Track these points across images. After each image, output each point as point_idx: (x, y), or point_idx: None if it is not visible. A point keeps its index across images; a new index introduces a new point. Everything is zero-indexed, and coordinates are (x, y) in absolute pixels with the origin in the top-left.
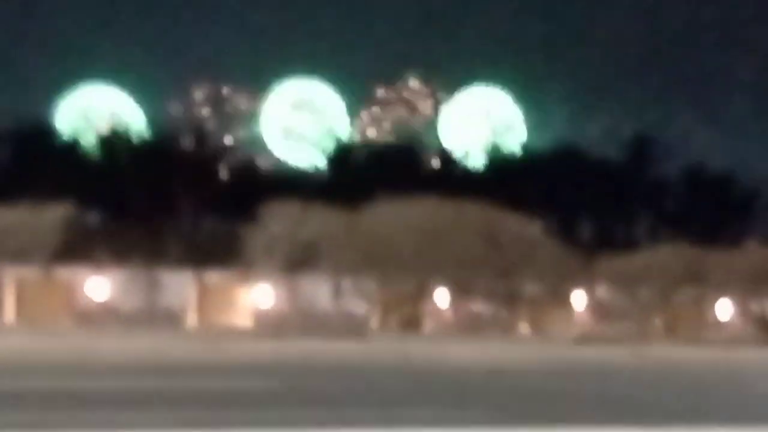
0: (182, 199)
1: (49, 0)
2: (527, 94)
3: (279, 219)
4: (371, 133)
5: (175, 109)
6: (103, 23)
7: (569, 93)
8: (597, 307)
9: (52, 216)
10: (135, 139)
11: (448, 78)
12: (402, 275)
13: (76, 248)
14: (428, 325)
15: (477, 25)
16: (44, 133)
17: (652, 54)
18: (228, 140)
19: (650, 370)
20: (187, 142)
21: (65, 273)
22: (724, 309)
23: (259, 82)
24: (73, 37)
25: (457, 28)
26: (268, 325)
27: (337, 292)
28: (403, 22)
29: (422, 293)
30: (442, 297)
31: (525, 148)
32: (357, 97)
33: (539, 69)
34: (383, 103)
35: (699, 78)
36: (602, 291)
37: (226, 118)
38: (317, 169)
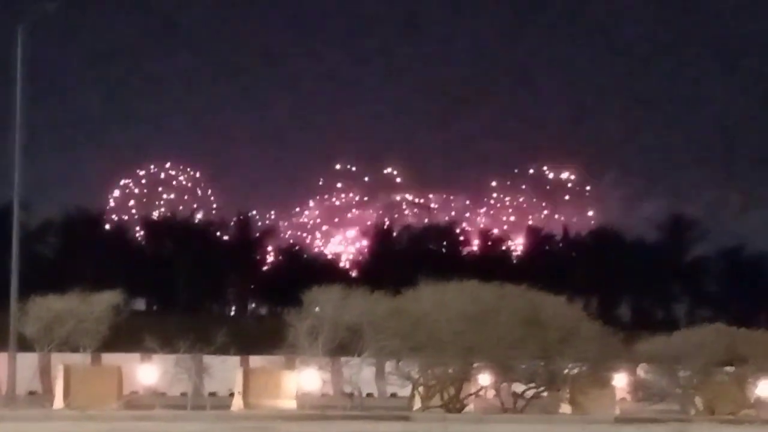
0: (228, 286)
1: (94, 96)
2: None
3: (322, 303)
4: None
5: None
6: (149, 117)
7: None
8: (638, 387)
9: (99, 303)
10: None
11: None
12: (444, 357)
13: (124, 335)
14: (471, 406)
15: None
16: (92, 222)
17: (690, 138)
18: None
19: None
20: (232, 231)
21: (113, 359)
22: (765, 388)
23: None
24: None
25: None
26: (313, 408)
27: (381, 375)
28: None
29: (464, 375)
30: (484, 378)
31: (564, 231)
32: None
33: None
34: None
35: (737, 161)
36: (642, 371)
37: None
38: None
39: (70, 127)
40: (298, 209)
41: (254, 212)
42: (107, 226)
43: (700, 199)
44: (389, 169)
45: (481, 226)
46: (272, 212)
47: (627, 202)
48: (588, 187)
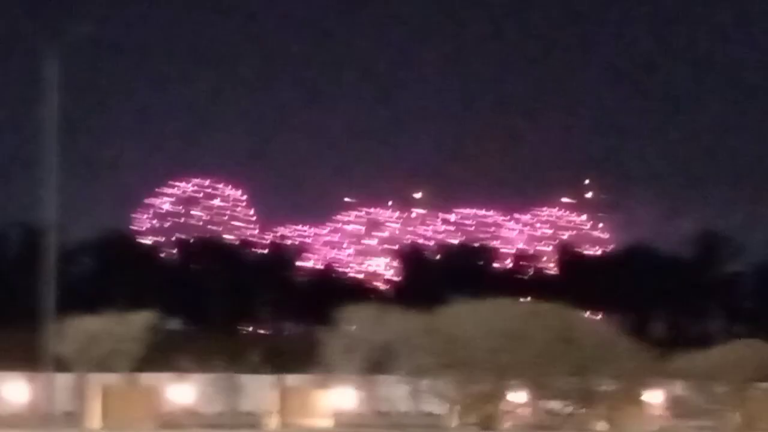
0: (262, 305)
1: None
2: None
3: (356, 322)
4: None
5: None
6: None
7: (643, 194)
8: (673, 404)
9: (135, 323)
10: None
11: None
12: (478, 375)
13: (159, 354)
14: (506, 423)
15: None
16: (126, 242)
17: (721, 154)
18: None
19: None
20: (269, 250)
21: (149, 379)
22: None
23: None
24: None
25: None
26: (349, 426)
27: (415, 393)
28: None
29: (499, 392)
30: (518, 396)
31: (596, 247)
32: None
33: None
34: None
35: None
36: (677, 387)
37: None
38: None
39: (105, 147)
40: (330, 228)
41: (288, 231)
42: (142, 246)
43: (735, 215)
44: (419, 191)
45: (515, 244)
46: (307, 231)
47: (662, 218)
48: (621, 204)
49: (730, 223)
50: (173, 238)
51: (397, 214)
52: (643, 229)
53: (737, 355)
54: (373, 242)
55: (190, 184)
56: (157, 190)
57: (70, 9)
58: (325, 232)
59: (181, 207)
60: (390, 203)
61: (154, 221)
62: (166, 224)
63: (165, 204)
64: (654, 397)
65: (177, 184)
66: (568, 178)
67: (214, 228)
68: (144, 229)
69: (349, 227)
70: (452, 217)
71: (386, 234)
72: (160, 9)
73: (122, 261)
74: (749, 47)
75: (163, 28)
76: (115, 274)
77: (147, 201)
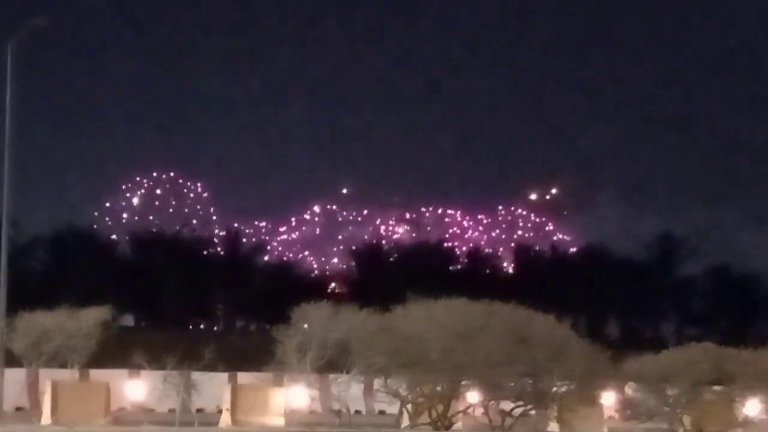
0: (216, 302)
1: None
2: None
3: (311, 320)
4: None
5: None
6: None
7: (593, 193)
8: (626, 405)
9: (88, 319)
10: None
11: None
12: (432, 374)
13: (112, 351)
14: (459, 424)
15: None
16: (81, 237)
17: (679, 157)
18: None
19: None
20: (220, 247)
21: (101, 375)
22: (753, 407)
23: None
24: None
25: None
26: (301, 425)
27: (369, 392)
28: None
29: (453, 392)
30: (472, 396)
31: (554, 248)
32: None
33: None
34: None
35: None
36: (631, 389)
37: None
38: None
39: (60, 142)
40: (289, 226)
41: (242, 228)
42: (96, 241)
43: (694, 217)
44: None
45: (471, 244)
46: (263, 228)
47: (622, 220)
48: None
49: (686, 226)
50: (127, 234)
51: (354, 213)
52: (600, 230)
53: (690, 357)
54: (331, 241)
55: (148, 180)
56: (117, 184)
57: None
58: (283, 229)
59: (139, 202)
60: (349, 200)
61: (112, 216)
62: (124, 220)
63: (124, 200)
64: (606, 398)
65: (137, 179)
66: (529, 177)
67: (172, 224)
68: (99, 224)
69: (308, 226)
70: (409, 216)
71: (344, 233)
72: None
73: (76, 256)
74: (722, 41)
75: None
76: (69, 269)
77: (107, 195)
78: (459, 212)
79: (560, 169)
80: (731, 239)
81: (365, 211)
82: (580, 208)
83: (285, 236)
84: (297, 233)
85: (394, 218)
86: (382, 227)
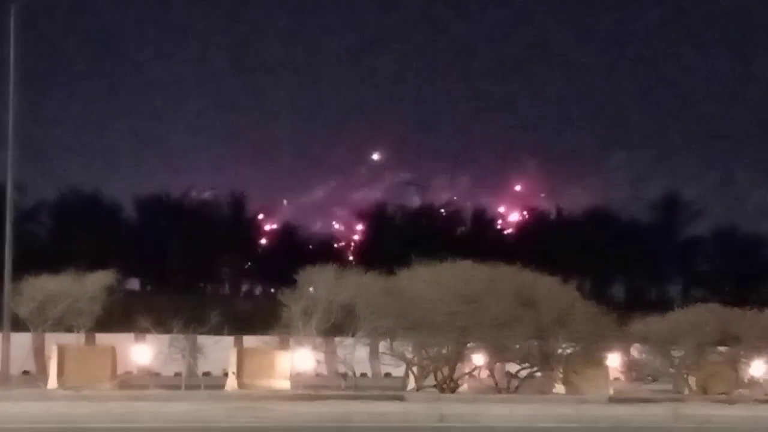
0: (222, 266)
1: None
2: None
3: (316, 283)
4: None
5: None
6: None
7: (603, 155)
8: (631, 367)
9: (93, 283)
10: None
11: None
12: (438, 337)
13: (118, 315)
14: (464, 386)
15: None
16: (86, 202)
17: (684, 112)
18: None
19: (685, 428)
20: (226, 210)
21: (106, 339)
22: (758, 367)
23: None
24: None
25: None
26: (306, 388)
27: (375, 355)
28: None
29: (458, 355)
30: (477, 358)
31: (558, 209)
32: None
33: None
34: None
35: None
36: (636, 351)
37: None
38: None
39: (68, 106)
40: (297, 190)
41: (248, 191)
42: (102, 206)
43: (703, 179)
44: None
45: (478, 206)
46: (269, 192)
47: (632, 183)
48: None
49: (692, 187)
50: (133, 198)
51: (372, 177)
52: (605, 192)
53: (695, 318)
54: (344, 204)
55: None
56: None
57: None
58: (291, 193)
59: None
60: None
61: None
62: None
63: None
64: (612, 360)
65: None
66: (540, 139)
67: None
68: (107, 188)
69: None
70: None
71: (359, 195)
72: None
73: (82, 220)
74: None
75: None
76: (74, 233)
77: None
78: (471, 176)
79: (570, 131)
80: (742, 200)
81: (381, 176)
82: (588, 170)
83: (301, 200)
84: (312, 198)
85: (404, 182)
86: (393, 191)
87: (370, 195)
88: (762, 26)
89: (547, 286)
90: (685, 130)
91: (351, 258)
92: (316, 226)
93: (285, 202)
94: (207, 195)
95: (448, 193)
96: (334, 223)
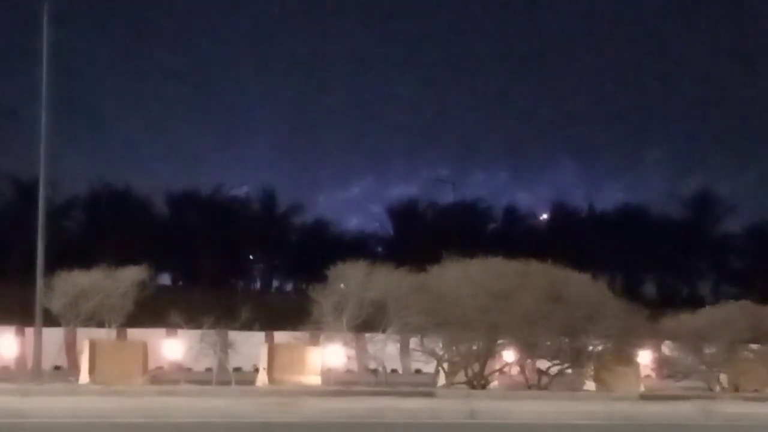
0: (253, 261)
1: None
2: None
3: (347, 279)
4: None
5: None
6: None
7: (632, 151)
8: (663, 364)
9: (125, 279)
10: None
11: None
12: (468, 334)
13: (149, 310)
14: (495, 383)
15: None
16: (118, 197)
17: (713, 108)
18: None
19: (716, 425)
20: (257, 206)
21: (138, 334)
22: None
23: None
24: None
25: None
26: (337, 384)
27: (405, 351)
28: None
29: (489, 351)
30: (508, 355)
31: (590, 206)
32: None
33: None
34: None
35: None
36: (668, 348)
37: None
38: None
39: (100, 101)
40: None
41: (279, 187)
42: (134, 201)
43: (740, 177)
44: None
45: (510, 202)
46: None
47: (667, 179)
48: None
49: (727, 184)
50: (165, 193)
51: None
52: (640, 188)
53: (727, 315)
54: (370, 200)
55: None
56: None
57: None
58: (324, 190)
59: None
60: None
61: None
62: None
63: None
64: (643, 357)
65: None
66: (572, 137)
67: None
68: (138, 182)
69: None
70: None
71: (387, 192)
72: None
73: (113, 216)
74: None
75: None
76: (106, 228)
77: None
78: (507, 173)
79: (607, 128)
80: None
81: (417, 172)
82: (625, 167)
83: (337, 196)
84: (347, 194)
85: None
86: (428, 187)
87: (405, 191)
88: None
89: (578, 283)
90: (723, 127)
91: (382, 254)
92: (352, 222)
93: (321, 198)
94: (241, 191)
95: (483, 189)
96: (366, 219)
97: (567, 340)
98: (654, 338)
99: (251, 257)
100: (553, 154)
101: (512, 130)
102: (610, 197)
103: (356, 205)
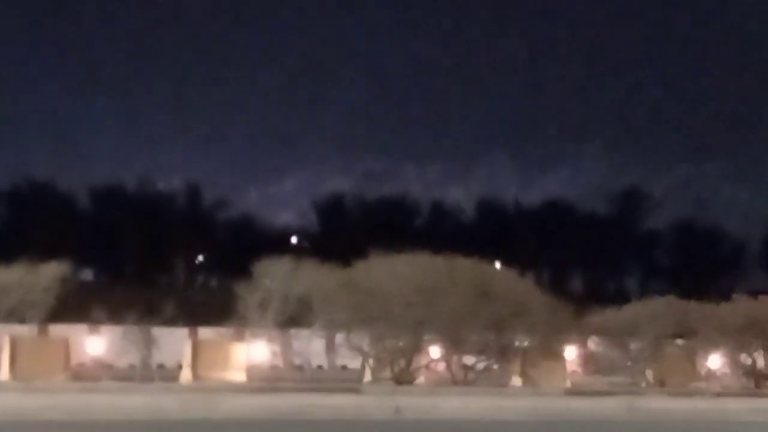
0: (177, 257)
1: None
2: (520, 149)
3: (272, 275)
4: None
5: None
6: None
7: (561, 149)
8: (589, 360)
9: (46, 274)
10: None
11: None
12: (395, 329)
13: (72, 306)
14: (421, 379)
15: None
16: (40, 192)
17: (642, 107)
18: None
19: (642, 421)
20: (182, 200)
21: (60, 330)
22: (714, 361)
23: None
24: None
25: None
26: (262, 380)
27: (331, 347)
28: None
29: (415, 347)
30: (434, 351)
31: (516, 202)
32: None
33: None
34: None
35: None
36: (594, 344)
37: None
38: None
39: (23, 96)
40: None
41: (205, 183)
42: (56, 195)
43: (676, 173)
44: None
45: (437, 197)
46: (226, 184)
47: (602, 176)
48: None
49: (666, 180)
50: (88, 188)
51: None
52: (562, 184)
53: (653, 311)
54: (294, 195)
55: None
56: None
57: None
58: (248, 186)
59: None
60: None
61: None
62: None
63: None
64: (569, 353)
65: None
66: (502, 132)
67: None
68: (62, 177)
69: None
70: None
71: (320, 187)
72: None
73: (35, 210)
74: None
75: None
76: (27, 223)
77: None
78: (443, 167)
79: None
80: (711, 194)
81: (351, 166)
82: (561, 162)
83: (267, 191)
84: (276, 189)
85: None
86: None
87: (338, 185)
88: None
89: (504, 279)
90: (659, 124)
91: (306, 249)
92: (283, 218)
93: (252, 193)
94: (164, 185)
95: (416, 184)
96: (298, 214)
97: (493, 335)
98: (580, 334)
99: (200, 258)
100: (487, 149)
101: (447, 122)
102: (543, 192)
103: (289, 200)
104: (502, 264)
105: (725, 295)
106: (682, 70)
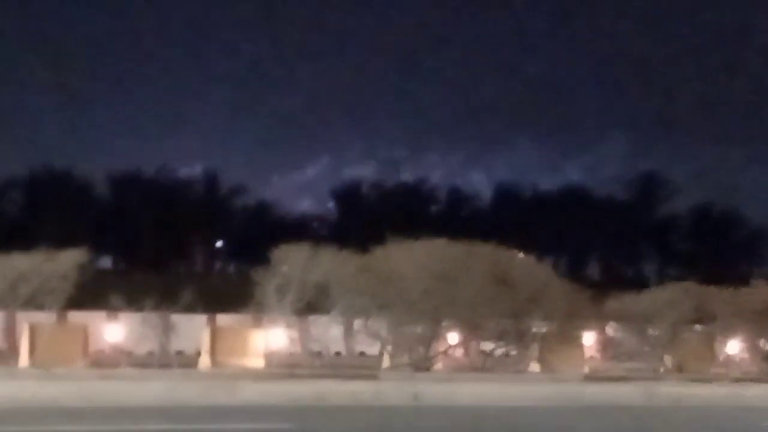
0: (195, 244)
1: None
2: (538, 135)
3: (290, 262)
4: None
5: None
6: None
7: (578, 135)
8: (607, 346)
9: (65, 261)
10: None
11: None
12: (413, 316)
13: (90, 293)
14: (439, 365)
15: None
16: (58, 179)
17: (660, 91)
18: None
19: (660, 407)
20: (200, 188)
21: (78, 317)
22: (733, 346)
23: None
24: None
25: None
26: (280, 367)
27: (349, 333)
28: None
29: (433, 333)
30: (452, 337)
31: (535, 188)
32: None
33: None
34: None
35: (703, 115)
36: (612, 329)
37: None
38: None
39: (41, 81)
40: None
41: (223, 169)
42: (74, 182)
43: (699, 157)
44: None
45: (455, 183)
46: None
47: (625, 161)
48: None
49: (667, 165)
50: (106, 175)
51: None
52: (580, 170)
53: (671, 297)
54: (312, 182)
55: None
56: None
57: None
58: (268, 174)
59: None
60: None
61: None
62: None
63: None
64: (587, 339)
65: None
66: (525, 116)
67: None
68: (80, 165)
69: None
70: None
71: (342, 173)
72: None
73: (53, 197)
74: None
75: None
76: (46, 211)
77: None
78: (464, 154)
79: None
80: (734, 179)
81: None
82: (585, 149)
83: (293, 178)
84: (299, 176)
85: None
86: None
87: (360, 172)
88: None
89: (522, 265)
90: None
91: (326, 236)
92: (301, 205)
93: (275, 179)
94: (182, 172)
95: (437, 171)
96: (312, 201)
97: (511, 321)
98: (599, 320)
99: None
100: (513, 135)
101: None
102: (565, 179)
103: (309, 187)
104: (520, 250)
105: (744, 281)
106: (704, 55)
